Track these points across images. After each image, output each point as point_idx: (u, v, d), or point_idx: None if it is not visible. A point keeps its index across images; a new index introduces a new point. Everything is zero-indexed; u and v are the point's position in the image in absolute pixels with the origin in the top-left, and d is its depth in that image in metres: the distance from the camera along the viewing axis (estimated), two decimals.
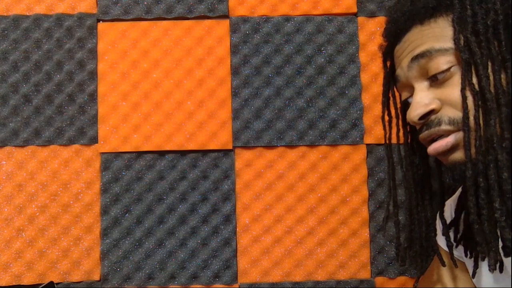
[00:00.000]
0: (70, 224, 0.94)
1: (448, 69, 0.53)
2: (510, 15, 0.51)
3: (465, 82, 0.51)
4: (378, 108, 0.99)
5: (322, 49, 0.99)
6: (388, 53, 0.65)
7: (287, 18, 0.99)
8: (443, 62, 0.53)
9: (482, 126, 0.51)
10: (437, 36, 0.54)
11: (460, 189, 0.69)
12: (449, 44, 0.53)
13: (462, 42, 0.52)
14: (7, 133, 0.95)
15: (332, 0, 0.99)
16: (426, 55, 0.54)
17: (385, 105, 0.68)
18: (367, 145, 0.98)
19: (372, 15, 1.00)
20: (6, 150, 0.95)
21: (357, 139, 0.98)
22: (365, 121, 0.98)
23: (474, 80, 0.51)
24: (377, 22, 1.00)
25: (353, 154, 0.98)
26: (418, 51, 0.55)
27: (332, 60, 0.99)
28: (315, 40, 0.99)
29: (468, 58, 0.51)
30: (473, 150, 0.52)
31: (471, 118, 0.51)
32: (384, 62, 0.67)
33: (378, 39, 0.99)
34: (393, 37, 0.61)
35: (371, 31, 1.00)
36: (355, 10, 0.99)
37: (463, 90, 0.51)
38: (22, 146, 0.95)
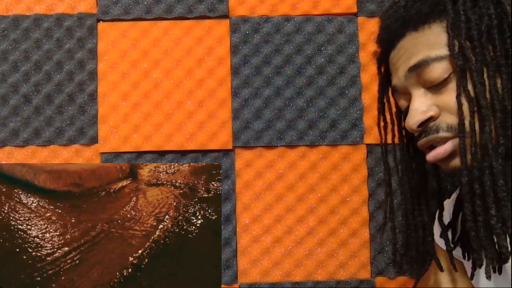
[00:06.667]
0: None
1: (446, 78, 0.53)
2: (504, 20, 0.50)
3: (460, 89, 0.51)
4: None
5: (322, 49, 0.99)
6: (383, 59, 0.64)
7: (287, 18, 0.99)
8: (440, 71, 0.52)
9: (478, 133, 0.51)
10: (431, 43, 0.53)
11: (458, 190, 0.69)
12: (444, 51, 0.52)
13: (456, 48, 0.51)
14: (7, 133, 0.95)
15: (332, 0, 0.99)
16: (422, 64, 0.53)
17: (381, 111, 0.68)
18: (367, 145, 0.98)
19: (372, 15, 1.00)
20: (6, 150, 0.95)
21: (357, 139, 0.98)
22: (365, 121, 0.98)
23: (470, 86, 0.51)
24: (377, 22, 0.99)
25: (353, 154, 0.98)
26: (414, 61, 0.54)
27: (332, 60, 0.99)
28: (315, 40, 0.99)
29: (462, 65, 0.51)
30: (468, 156, 0.51)
31: (467, 124, 0.51)
32: (379, 68, 0.66)
33: None
34: (387, 43, 0.60)
35: (371, 31, 0.99)
36: (355, 10, 0.99)
37: (458, 97, 0.51)
38: (22, 146, 0.95)
